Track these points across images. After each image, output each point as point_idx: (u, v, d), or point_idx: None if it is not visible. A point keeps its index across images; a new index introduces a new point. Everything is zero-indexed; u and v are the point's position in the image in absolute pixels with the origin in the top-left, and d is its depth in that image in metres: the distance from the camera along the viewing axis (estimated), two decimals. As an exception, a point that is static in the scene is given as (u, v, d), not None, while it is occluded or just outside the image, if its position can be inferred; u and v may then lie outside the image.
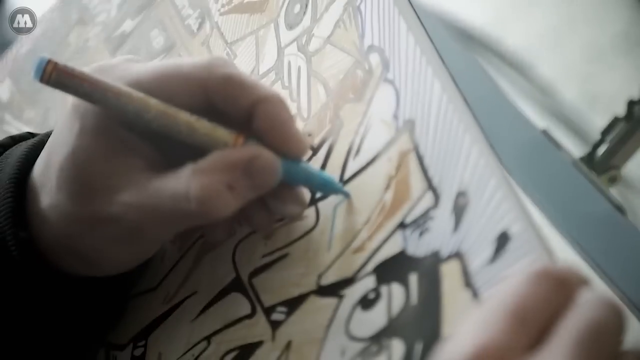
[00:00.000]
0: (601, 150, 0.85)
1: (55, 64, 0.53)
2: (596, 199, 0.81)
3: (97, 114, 0.54)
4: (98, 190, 0.54)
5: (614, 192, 0.85)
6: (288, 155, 0.54)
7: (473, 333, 0.40)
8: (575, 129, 0.96)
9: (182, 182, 0.52)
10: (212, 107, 0.54)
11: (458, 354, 0.39)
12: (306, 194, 0.56)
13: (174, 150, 0.55)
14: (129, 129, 0.54)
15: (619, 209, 0.82)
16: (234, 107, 0.54)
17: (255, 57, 0.64)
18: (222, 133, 0.53)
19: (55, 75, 0.53)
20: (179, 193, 0.52)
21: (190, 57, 0.55)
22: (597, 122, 0.92)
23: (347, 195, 0.54)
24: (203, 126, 0.53)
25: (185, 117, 0.53)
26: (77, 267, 0.57)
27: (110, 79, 0.54)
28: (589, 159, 0.85)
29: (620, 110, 0.86)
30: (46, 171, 0.56)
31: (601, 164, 0.85)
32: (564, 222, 0.73)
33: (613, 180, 0.86)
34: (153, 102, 0.53)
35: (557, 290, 0.41)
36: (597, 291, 0.41)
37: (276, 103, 0.54)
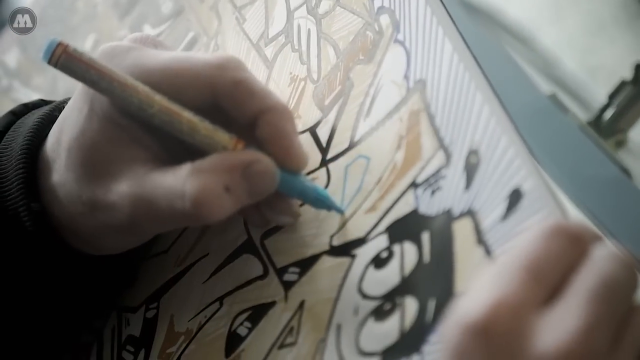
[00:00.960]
0: (608, 114, 0.85)
1: (66, 47, 0.53)
2: (603, 162, 0.81)
3: (105, 101, 0.54)
4: (99, 176, 0.54)
5: (621, 155, 0.85)
6: (287, 167, 0.54)
7: (487, 289, 0.40)
8: (576, 99, 0.96)
9: (180, 180, 0.52)
10: (218, 108, 0.54)
11: (473, 311, 0.40)
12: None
13: (178, 147, 0.55)
14: (134, 120, 0.54)
15: (626, 172, 0.82)
16: (240, 112, 0.54)
17: (265, 20, 0.64)
18: (222, 136, 0.53)
19: (63, 59, 0.53)
20: (175, 191, 0.52)
21: (204, 54, 0.55)
22: (598, 92, 0.92)
23: (340, 211, 0.54)
24: (205, 127, 0.53)
25: (188, 116, 0.53)
26: (80, 245, 0.57)
27: (121, 65, 0.54)
28: (595, 122, 0.85)
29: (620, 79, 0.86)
30: (57, 147, 0.56)
31: (608, 127, 0.85)
32: (570, 185, 0.74)
33: (620, 144, 0.86)
34: (158, 97, 0.53)
35: (571, 246, 0.41)
36: (610, 247, 0.41)
37: (282, 114, 0.54)
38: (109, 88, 0.53)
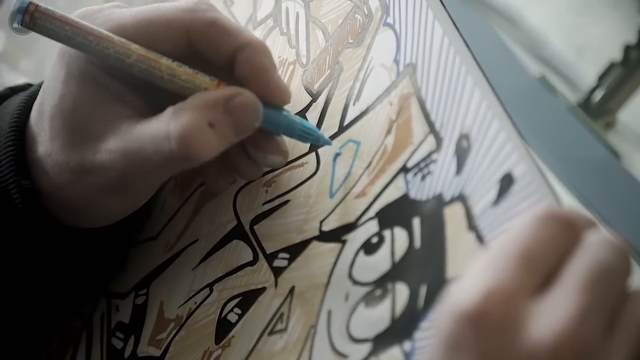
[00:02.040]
0: (597, 95, 0.85)
1: (37, 6, 0.52)
2: (592, 144, 0.81)
3: (81, 61, 0.54)
4: (84, 138, 0.54)
5: (610, 137, 0.85)
6: (270, 101, 0.54)
7: (480, 276, 0.40)
8: (564, 78, 0.96)
9: (163, 123, 0.52)
10: (194, 53, 0.54)
11: (465, 298, 0.39)
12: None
13: (160, 101, 0.54)
14: (114, 77, 0.54)
15: (615, 154, 0.82)
16: (217, 53, 0.54)
17: (253, 3, 0.64)
18: (203, 79, 0.53)
19: (37, 19, 0.52)
20: (159, 134, 0.51)
21: (174, 2, 0.54)
22: (585, 71, 0.92)
23: (329, 143, 0.54)
24: (184, 72, 0.53)
25: (166, 63, 0.53)
26: (71, 218, 0.56)
27: (94, 23, 0.53)
28: (585, 104, 0.85)
29: (608, 60, 0.86)
30: (39, 120, 0.56)
31: (597, 109, 0.85)
32: (560, 166, 0.73)
33: (609, 126, 0.86)
34: (134, 47, 0.53)
35: (564, 232, 0.41)
36: (603, 232, 0.41)
37: (259, 49, 0.54)
38: (84, 42, 0.52)
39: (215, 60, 0.54)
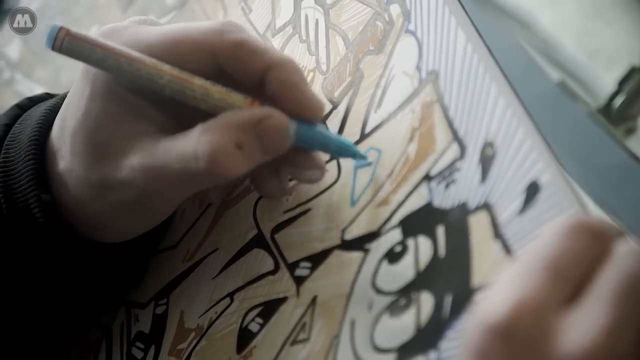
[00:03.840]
0: (618, 101, 0.84)
1: (67, 30, 0.52)
2: (613, 150, 0.80)
3: (106, 79, 0.54)
4: (107, 155, 0.54)
5: (631, 143, 0.85)
6: (302, 117, 0.53)
7: (509, 289, 0.39)
8: (578, 83, 0.96)
9: (191, 141, 0.51)
10: (222, 74, 0.54)
11: (495, 311, 0.39)
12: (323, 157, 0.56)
13: (184, 117, 0.54)
14: (138, 94, 0.54)
15: (636, 159, 0.82)
16: (245, 73, 0.53)
17: (271, 11, 0.64)
18: (236, 97, 0.53)
19: (67, 42, 0.52)
20: (187, 152, 0.51)
21: (201, 21, 0.54)
22: (599, 76, 0.91)
23: (365, 158, 0.54)
24: (218, 91, 0.53)
25: (199, 82, 0.53)
26: (91, 233, 0.56)
27: (120, 43, 0.53)
28: (605, 110, 0.84)
29: (622, 64, 0.85)
30: (61, 134, 0.56)
31: (618, 115, 0.84)
32: (580, 172, 0.73)
33: (630, 131, 0.85)
34: (166, 67, 0.53)
35: (593, 243, 0.40)
36: (632, 243, 0.40)
37: (288, 67, 0.53)
38: (115, 64, 0.52)
39: (244, 81, 0.54)
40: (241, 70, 0.53)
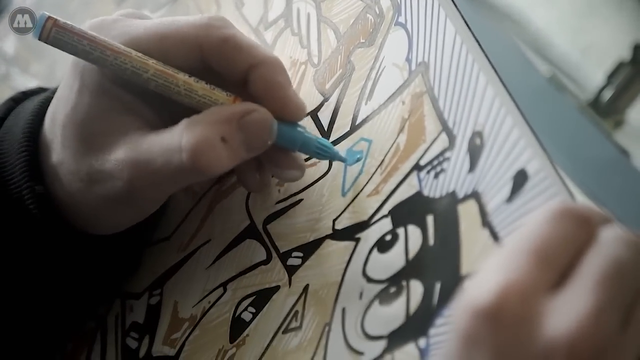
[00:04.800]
0: (606, 94, 0.85)
1: (55, 20, 0.52)
2: (601, 142, 0.81)
3: (95, 73, 0.54)
4: (95, 148, 0.54)
5: (619, 135, 0.85)
6: (285, 118, 0.54)
7: (496, 272, 0.40)
8: (569, 79, 0.97)
9: (175, 135, 0.52)
10: (208, 68, 0.54)
11: (481, 295, 0.39)
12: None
13: (172, 113, 0.55)
14: (127, 89, 0.54)
15: (624, 152, 0.82)
16: (231, 69, 0.54)
17: (264, 4, 0.64)
18: (219, 94, 0.53)
19: (54, 32, 0.52)
20: (171, 146, 0.52)
21: (189, 16, 0.55)
22: (590, 71, 0.92)
23: (344, 160, 0.54)
24: (201, 87, 0.53)
25: (183, 78, 0.53)
26: (83, 225, 0.57)
27: (109, 36, 0.53)
28: (594, 103, 0.85)
29: (613, 60, 0.86)
30: (52, 127, 0.56)
31: (606, 108, 0.85)
32: (569, 165, 0.74)
33: (618, 125, 0.86)
34: (152, 62, 0.53)
35: (579, 228, 0.40)
36: (618, 228, 0.41)
37: (273, 66, 0.54)
38: (102, 57, 0.53)
39: (229, 77, 0.54)
40: (226, 65, 0.54)
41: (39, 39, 0.52)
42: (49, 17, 0.52)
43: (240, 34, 0.54)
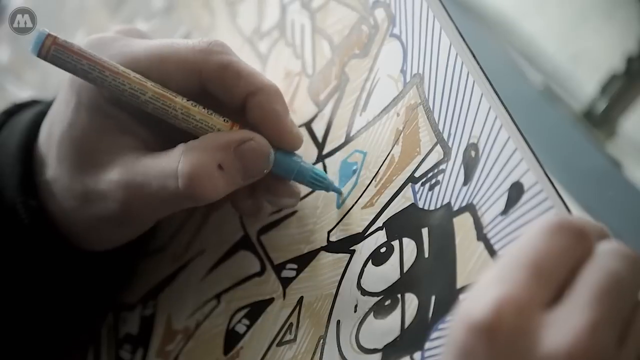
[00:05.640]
0: (599, 106, 0.85)
1: (55, 38, 0.52)
2: (593, 154, 0.81)
3: (92, 90, 0.54)
4: (90, 167, 0.54)
5: (612, 147, 0.85)
6: (282, 147, 0.54)
7: (492, 287, 0.39)
8: (561, 88, 0.97)
9: (172, 160, 0.52)
10: (206, 93, 0.54)
11: (478, 310, 0.39)
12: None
13: (168, 134, 0.55)
14: (123, 108, 0.54)
15: (616, 164, 0.82)
16: (229, 96, 0.54)
17: (258, 14, 0.64)
18: (217, 120, 0.53)
19: (53, 50, 0.52)
20: (167, 171, 0.51)
21: (188, 40, 0.55)
22: (581, 82, 0.92)
23: (339, 192, 0.54)
24: (199, 112, 0.53)
25: (181, 102, 0.53)
26: (75, 241, 0.57)
27: (107, 54, 0.53)
28: (587, 114, 0.85)
29: (604, 71, 0.86)
30: (48, 142, 0.56)
31: (599, 119, 0.85)
32: (561, 176, 0.74)
33: (610, 136, 0.86)
34: (150, 84, 0.53)
35: (576, 242, 0.40)
36: (614, 243, 0.41)
37: (271, 94, 0.54)
38: (100, 77, 0.52)
39: (228, 103, 0.54)
40: (225, 91, 0.54)
41: (38, 56, 0.52)
42: (49, 35, 0.52)
43: (240, 60, 0.54)
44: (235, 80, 0.53)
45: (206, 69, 0.53)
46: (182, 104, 0.53)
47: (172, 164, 0.51)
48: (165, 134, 0.55)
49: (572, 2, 1.00)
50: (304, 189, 0.56)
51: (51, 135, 0.56)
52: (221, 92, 0.54)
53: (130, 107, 0.54)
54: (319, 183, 0.54)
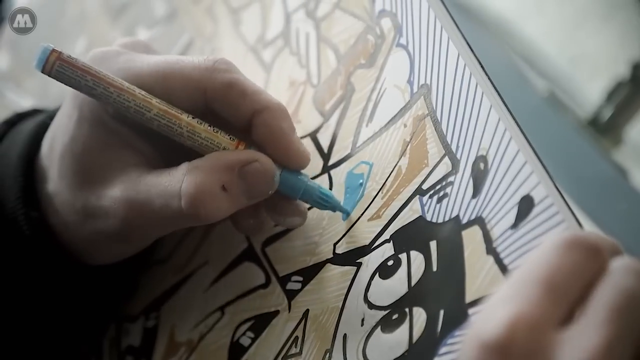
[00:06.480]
0: (604, 113, 0.85)
1: (60, 53, 0.51)
2: (599, 162, 0.81)
3: (94, 105, 0.54)
4: (92, 182, 0.53)
5: (618, 154, 0.85)
6: (288, 165, 0.53)
7: (504, 305, 0.39)
8: (564, 92, 0.96)
9: (175, 179, 0.51)
10: (211, 111, 0.54)
11: (490, 328, 0.38)
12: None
13: (171, 150, 0.54)
14: (126, 124, 0.54)
15: (622, 172, 0.82)
16: (234, 114, 0.53)
17: (262, 22, 0.64)
18: (222, 138, 0.53)
19: (58, 66, 0.51)
20: (170, 191, 0.51)
21: (193, 57, 0.54)
22: (584, 84, 0.91)
23: (346, 212, 0.54)
24: (204, 130, 0.53)
25: (187, 120, 0.52)
26: (77, 255, 0.56)
27: (111, 70, 0.53)
28: (592, 122, 0.85)
29: (604, 75, 0.86)
30: (50, 155, 0.55)
31: (604, 127, 0.84)
32: (572, 186, 0.73)
33: (616, 144, 0.85)
34: (155, 101, 0.52)
35: (589, 259, 0.40)
36: (628, 259, 0.40)
37: (277, 112, 0.53)
38: (105, 93, 0.52)
39: (233, 121, 0.53)
40: (230, 110, 0.53)
41: (42, 72, 0.52)
42: (53, 50, 0.51)
43: (245, 78, 0.54)
44: (240, 98, 0.53)
45: (211, 87, 0.53)
46: (188, 122, 0.52)
47: (175, 184, 0.51)
48: (168, 150, 0.54)
49: (571, 4, 1.00)
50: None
51: (53, 149, 0.55)
52: (226, 110, 0.53)
53: (134, 122, 0.53)
54: (325, 203, 0.54)
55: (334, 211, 0.54)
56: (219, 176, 0.51)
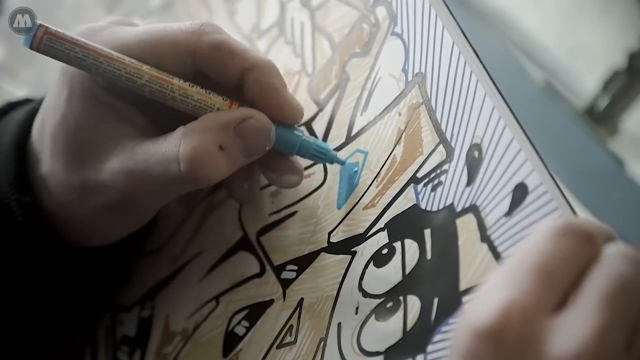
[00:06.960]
0: (601, 103, 0.85)
1: (46, 28, 0.51)
2: (595, 151, 0.81)
3: (85, 79, 0.53)
4: (87, 157, 0.53)
5: (614, 144, 0.85)
6: (281, 121, 0.53)
7: (497, 291, 0.39)
8: (560, 82, 0.96)
9: (172, 143, 0.51)
10: (201, 75, 0.53)
11: (483, 315, 0.38)
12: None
13: (165, 120, 0.54)
14: (118, 96, 0.54)
15: (618, 161, 0.82)
16: (224, 74, 0.53)
17: (257, 12, 0.63)
18: (215, 99, 0.53)
19: (46, 40, 0.51)
20: (168, 155, 0.51)
21: (180, 22, 0.54)
22: (581, 75, 0.92)
23: (342, 163, 0.54)
24: (197, 92, 0.52)
25: (178, 83, 0.52)
26: (74, 237, 0.56)
27: (97, 42, 0.53)
28: (588, 112, 0.85)
29: (601, 66, 0.86)
30: (41, 137, 0.55)
31: (601, 116, 0.84)
32: (566, 175, 0.73)
33: (612, 133, 0.85)
34: (146, 67, 0.52)
35: (583, 246, 0.40)
36: (621, 245, 0.40)
37: (267, 69, 0.53)
38: (95, 64, 0.52)
39: (223, 82, 0.53)
40: (220, 71, 0.53)
41: (30, 48, 0.51)
42: (40, 25, 0.51)
43: (232, 39, 0.54)
44: (229, 58, 0.53)
45: (200, 50, 0.53)
46: (180, 85, 0.52)
47: (172, 148, 0.51)
48: (162, 119, 0.54)
49: (567, 1, 1.00)
50: (303, 190, 0.55)
51: (44, 130, 0.55)
52: (216, 71, 0.53)
53: (126, 94, 0.53)
54: (322, 156, 0.54)
55: (332, 163, 0.54)
56: (216, 136, 0.51)
